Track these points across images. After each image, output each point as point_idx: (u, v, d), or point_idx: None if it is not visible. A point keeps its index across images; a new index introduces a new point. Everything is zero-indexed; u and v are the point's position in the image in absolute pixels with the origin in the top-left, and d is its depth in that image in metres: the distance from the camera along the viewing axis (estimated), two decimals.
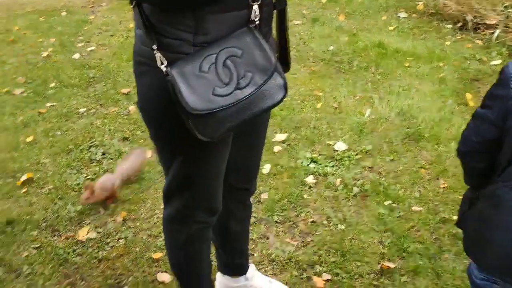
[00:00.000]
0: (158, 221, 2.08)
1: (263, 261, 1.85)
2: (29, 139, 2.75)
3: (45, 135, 2.80)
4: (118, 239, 2.00)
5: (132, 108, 3.03)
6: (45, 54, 3.96)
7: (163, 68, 1.02)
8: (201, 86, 1.02)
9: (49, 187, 2.35)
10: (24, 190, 2.33)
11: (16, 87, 3.41)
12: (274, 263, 1.84)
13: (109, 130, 2.82)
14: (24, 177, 2.39)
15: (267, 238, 1.97)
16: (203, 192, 1.29)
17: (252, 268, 1.67)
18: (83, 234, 2.02)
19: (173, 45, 1.04)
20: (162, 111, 1.13)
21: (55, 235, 2.04)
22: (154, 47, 1.03)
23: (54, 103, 3.17)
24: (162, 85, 1.04)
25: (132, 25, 4.47)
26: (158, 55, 1.03)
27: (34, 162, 2.55)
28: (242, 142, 1.32)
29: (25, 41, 4.28)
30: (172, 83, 1.01)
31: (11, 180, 2.41)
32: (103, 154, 2.60)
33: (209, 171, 1.25)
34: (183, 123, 1.06)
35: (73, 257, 1.91)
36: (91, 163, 2.54)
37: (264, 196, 2.18)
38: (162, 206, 2.12)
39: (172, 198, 1.32)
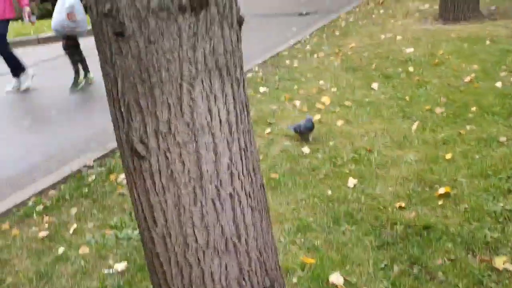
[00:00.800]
0: None
1: None
2: (448, 156, 2.86)
3: (463, 156, 2.85)
4: None
5: None
6: (467, 79, 4.05)
7: None
8: None
9: (465, 205, 2.37)
10: (440, 202, 2.43)
11: (437, 106, 3.61)
12: None
13: None
14: (441, 190, 2.50)
15: None
16: None
17: None
18: (500, 262, 1.94)
19: None
20: None
21: (469, 253, 2.04)
22: None
23: (474, 127, 3.19)
24: None
25: None
26: None
27: (451, 179, 2.63)
28: None
29: (448, 65, 4.50)
30: None
31: (429, 190, 2.57)
32: None
33: None
34: None
35: (488, 282, 1.86)
36: (510, 193, 2.42)
37: None
38: None
39: None
